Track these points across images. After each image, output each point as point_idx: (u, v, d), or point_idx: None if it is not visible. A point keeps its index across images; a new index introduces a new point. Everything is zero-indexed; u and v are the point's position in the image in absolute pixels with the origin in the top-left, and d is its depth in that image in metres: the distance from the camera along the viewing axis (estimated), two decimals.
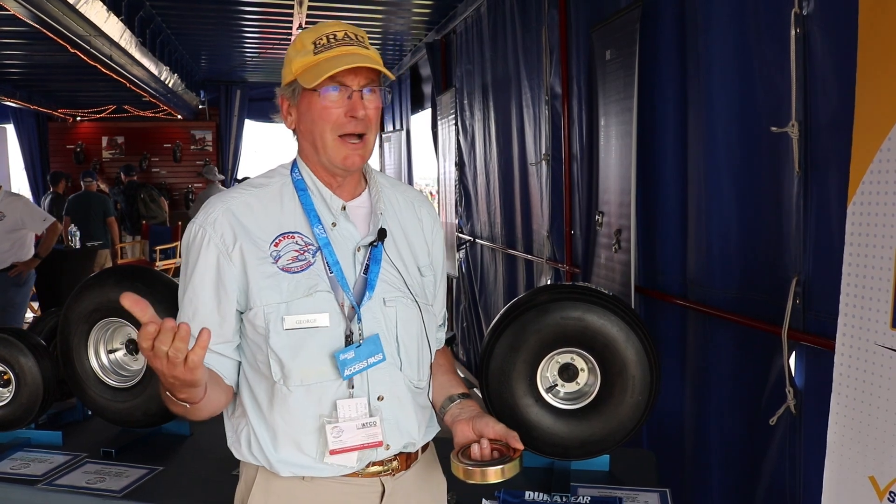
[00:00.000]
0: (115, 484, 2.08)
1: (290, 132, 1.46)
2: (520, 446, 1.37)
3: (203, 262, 1.37)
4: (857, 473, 1.58)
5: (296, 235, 1.39)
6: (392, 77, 1.37)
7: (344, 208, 1.42)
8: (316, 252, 1.38)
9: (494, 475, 1.32)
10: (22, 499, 2.07)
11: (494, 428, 1.39)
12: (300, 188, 1.42)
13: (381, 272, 1.40)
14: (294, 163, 1.47)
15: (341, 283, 1.37)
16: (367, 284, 1.39)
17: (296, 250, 1.37)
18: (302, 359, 1.34)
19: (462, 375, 5.66)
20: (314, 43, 1.36)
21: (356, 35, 1.37)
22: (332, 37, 1.36)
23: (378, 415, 1.39)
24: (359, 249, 1.41)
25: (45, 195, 9.85)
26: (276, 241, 1.38)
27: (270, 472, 1.41)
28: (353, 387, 1.37)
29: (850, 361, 1.60)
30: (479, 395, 2.01)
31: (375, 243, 1.41)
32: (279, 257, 1.36)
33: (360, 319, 1.36)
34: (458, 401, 1.49)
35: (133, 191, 10.08)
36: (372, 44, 1.39)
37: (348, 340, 1.35)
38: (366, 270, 1.39)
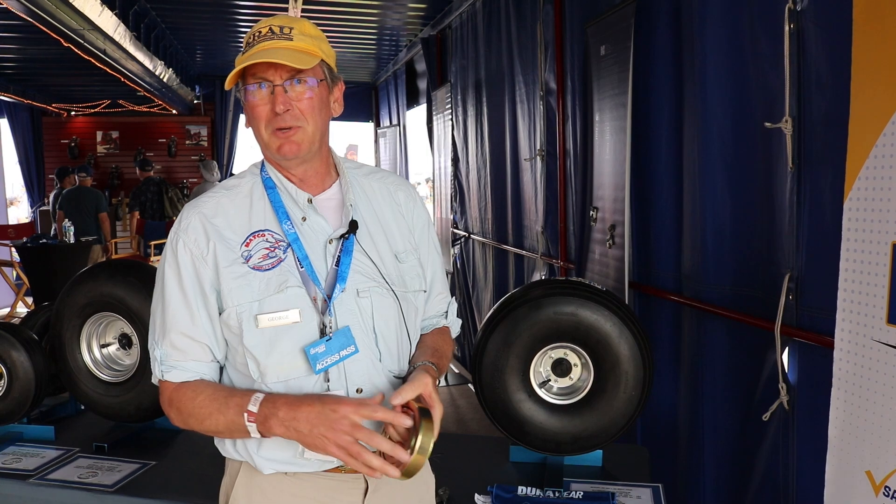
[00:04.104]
0: (107, 478, 2.08)
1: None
2: (388, 418, 1.25)
3: (184, 270, 1.37)
4: (854, 468, 1.59)
5: (266, 233, 1.39)
6: (303, 66, 1.31)
7: (311, 202, 1.42)
8: (287, 248, 1.38)
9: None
10: (14, 493, 2.07)
11: (401, 394, 1.28)
12: (269, 186, 1.43)
13: (353, 263, 1.39)
14: (263, 161, 1.48)
15: (312, 276, 1.36)
16: (338, 276, 1.38)
17: (266, 248, 1.37)
18: (276, 355, 1.34)
19: (456, 371, 5.69)
20: (247, 42, 1.36)
21: (282, 28, 1.35)
22: (257, 33, 1.35)
23: None
24: (330, 242, 1.40)
25: (53, 191, 9.74)
26: (247, 240, 1.38)
27: (253, 467, 1.40)
28: (328, 380, 1.36)
29: (848, 357, 1.60)
30: (473, 389, 2.00)
31: (347, 235, 1.41)
32: (250, 256, 1.36)
33: (332, 312, 1.36)
34: (413, 370, 1.41)
35: (162, 187, 10.04)
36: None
37: (322, 334, 1.35)
38: (337, 262, 1.39)
